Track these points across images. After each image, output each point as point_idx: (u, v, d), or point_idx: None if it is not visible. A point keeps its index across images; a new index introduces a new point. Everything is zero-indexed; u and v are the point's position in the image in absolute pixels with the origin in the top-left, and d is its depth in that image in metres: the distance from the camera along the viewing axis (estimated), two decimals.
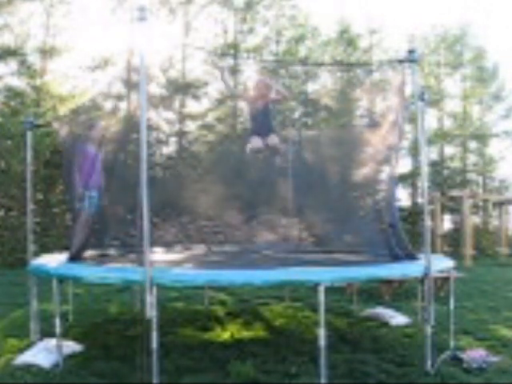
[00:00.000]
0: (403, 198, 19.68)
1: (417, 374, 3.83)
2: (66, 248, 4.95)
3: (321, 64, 19.29)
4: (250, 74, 17.03)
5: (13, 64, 14.36)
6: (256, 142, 5.40)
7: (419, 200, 19.13)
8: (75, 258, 4.45)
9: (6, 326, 5.56)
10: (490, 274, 11.40)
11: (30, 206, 5.26)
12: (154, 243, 4.58)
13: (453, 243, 17.45)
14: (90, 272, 4.03)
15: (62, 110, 14.45)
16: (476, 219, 20.47)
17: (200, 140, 16.57)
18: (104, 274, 3.96)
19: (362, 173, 5.84)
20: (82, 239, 4.64)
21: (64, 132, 5.63)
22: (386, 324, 5.63)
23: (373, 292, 7.78)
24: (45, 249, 9.47)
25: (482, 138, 20.75)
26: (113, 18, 15.71)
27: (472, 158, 21.56)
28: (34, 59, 14.75)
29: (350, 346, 4.61)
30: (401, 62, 4.18)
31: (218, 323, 5.66)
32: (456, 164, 21.16)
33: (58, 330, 3.98)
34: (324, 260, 5.03)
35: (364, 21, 19.44)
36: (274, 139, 5.46)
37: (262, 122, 5.45)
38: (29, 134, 5.20)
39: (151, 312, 3.33)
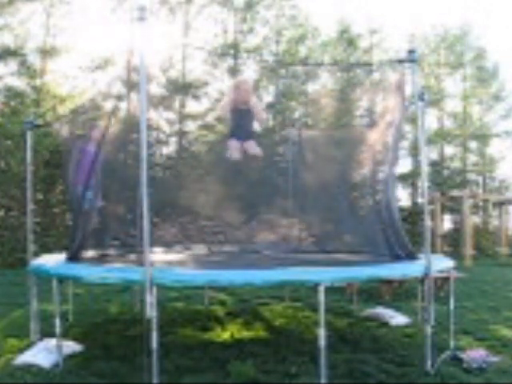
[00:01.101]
0: (403, 198, 19.73)
1: (417, 374, 3.82)
2: (66, 248, 4.94)
3: (321, 64, 19.30)
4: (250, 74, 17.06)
5: (13, 64, 14.36)
6: (234, 151, 5.24)
7: (419, 200, 19.14)
8: (73, 258, 4.45)
9: (5, 326, 5.56)
10: (490, 274, 11.40)
11: (30, 206, 5.26)
12: (153, 243, 4.58)
13: (453, 243, 17.46)
14: (89, 272, 4.02)
15: (62, 110, 14.46)
16: (476, 219, 20.48)
17: (200, 140, 16.57)
18: (104, 274, 3.95)
19: (362, 173, 5.84)
20: (80, 239, 4.63)
21: (64, 132, 5.64)
22: (385, 324, 5.63)
23: (373, 292, 7.78)
24: (45, 249, 9.48)
25: (482, 137, 20.76)
26: (113, 18, 15.75)
27: (472, 158, 21.57)
28: (33, 59, 14.75)
29: (350, 346, 4.61)
30: (401, 61, 4.18)
31: (217, 323, 5.66)
32: (456, 164, 21.16)
33: (58, 329, 3.98)
34: (324, 260, 5.03)
35: (364, 21, 19.49)
36: (251, 145, 5.31)
37: (242, 125, 5.29)
38: (29, 134, 5.20)
39: (151, 312, 3.33)
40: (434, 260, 4.25)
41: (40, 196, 13.61)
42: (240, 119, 5.31)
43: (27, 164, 5.25)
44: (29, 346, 4.49)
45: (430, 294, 3.98)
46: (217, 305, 6.92)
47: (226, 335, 5.17)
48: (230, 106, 5.31)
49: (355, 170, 6.06)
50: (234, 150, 5.28)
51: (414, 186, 19.84)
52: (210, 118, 17.34)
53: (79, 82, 15.75)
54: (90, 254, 4.90)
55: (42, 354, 4.14)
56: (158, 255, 5.64)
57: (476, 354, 4.13)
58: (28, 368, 3.93)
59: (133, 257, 5.01)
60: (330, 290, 4.28)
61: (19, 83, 14.62)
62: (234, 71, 16.49)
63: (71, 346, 4.41)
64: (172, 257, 5.72)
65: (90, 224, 4.87)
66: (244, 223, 7.03)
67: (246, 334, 5.28)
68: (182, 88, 16.20)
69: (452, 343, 4.49)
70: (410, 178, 19.54)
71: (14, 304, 6.64)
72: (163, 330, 3.62)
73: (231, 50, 16.86)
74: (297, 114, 18.41)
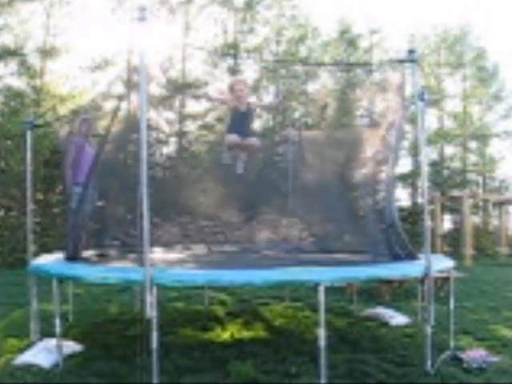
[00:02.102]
0: (403, 198, 19.74)
1: (417, 374, 3.82)
2: (65, 248, 4.94)
3: (321, 64, 19.30)
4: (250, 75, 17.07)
5: (13, 64, 14.36)
6: (233, 137, 5.24)
7: (419, 200, 19.13)
8: (71, 258, 4.45)
9: (5, 326, 5.56)
10: (490, 274, 11.40)
11: (30, 206, 5.26)
12: (153, 243, 4.58)
13: (453, 243, 17.45)
14: (89, 272, 4.03)
15: (62, 110, 14.46)
16: (476, 219, 20.47)
17: (200, 140, 16.56)
18: (104, 274, 3.95)
19: (362, 172, 5.84)
20: (73, 238, 4.64)
21: (64, 133, 5.65)
22: (385, 324, 5.63)
23: (373, 292, 7.78)
24: (45, 249, 9.46)
25: (482, 137, 20.76)
26: (113, 18, 15.74)
27: (472, 158, 21.57)
28: (33, 59, 14.75)
29: (350, 346, 4.60)
30: (401, 61, 4.18)
31: (218, 323, 5.65)
32: (456, 164, 21.16)
33: (58, 329, 3.97)
34: (324, 260, 5.03)
35: (364, 21, 19.50)
36: (252, 140, 5.35)
37: (242, 125, 5.29)
38: (29, 134, 5.20)
39: (151, 312, 3.33)
40: (434, 260, 4.25)
41: (40, 196, 13.60)
42: (238, 121, 5.31)
43: (27, 164, 5.25)
44: (29, 345, 4.48)
45: (430, 294, 3.98)
46: (217, 305, 6.91)
47: (226, 335, 5.17)
48: (228, 101, 5.37)
49: (355, 170, 6.06)
50: (232, 142, 5.28)
51: (413, 186, 19.84)
52: (209, 118, 17.34)
53: (79, 82, 15.78)
54: (89, 253, 4.90)
55: (42, 354, 4.14)
56: (158, 255, 5.63)
57: (476, 354, 4.12)
58: (28, 368, 3.93)
59: (133, 257, 5.01)
60: (329, 290, 4.28)
61: (19, 83, 14.64)
62: (233, 71, 16.49)
63: (71, 346, 4.40)
64: (172, 257, 5.72)
65: (86, 223, 4.86)
66: (244, 223, 7.03)
67: (246, 333, 5.28)
68: (182, 88, 16.20)
69: (452, 343, 4.49)
70: (409, 178, 19.54)
71: (14, 304, 6.64)
72: (163, 330, 3.62)
73: (231, 50, 16.86)
74: (297, 114, 18.40)
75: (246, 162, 5.59)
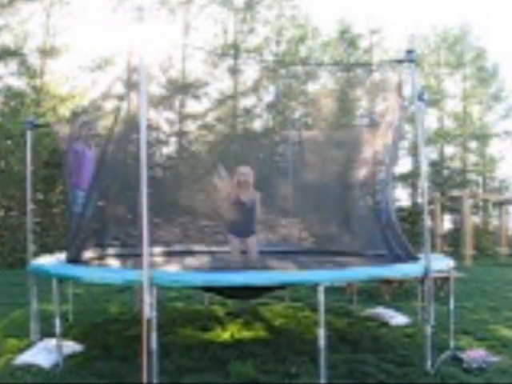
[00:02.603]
0: (403, 198, 19.73)
1: (417, 374, 3.82)
2: (65, 248, 4.94)
3: (321, 64, 19.30)
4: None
5: (13, 64, 14.36)
6: (235, 251, 5.17)
7: (419, 200, 19.12)
8: (73, 260, 4.44)
9: (6, 325, 5.56)
10: (490, 274, 11.40)
11: (30, 206, 5.27)
12: (153, 243, 4.58)
13: (453, 243, 17.44)
14: (89, 272, 4.03)
15: (62, 110, 14.46)
16: (476, 219, 20.47)
17: (200, 140, 16.56)
18: (104, 273, 3.96)
19: (362, 173, 5.85)
20: (76, 242, 4.63)
21: (64, 133, 5.65)
22: (386, 324, 5.63)
23: (373, 292, 7.78)
24: (45, 249, 9.47)
25: (482, 138, 20.75)
26: (113, 18, 15.72)
27: (472, 158, 21.56)
28: (33, 59, 14.75)
29: (350, 346, 4.61)
30: (400, 61, 4.18)
31: (218, 323, 5.65)
32: (456, 164, 21.15)
33: (58, 329, 3.98)
34: (324, 260, 5.03)
35: (364, 21, 19.48)
36: (253, 244, 5.24)
37: (243, 222, 5.19)
38: (29, 134, 5.20)
39: (151, 312, 3.33)
40: (434, 260, 4.25)
41: (40, 196, 13.60)
42: (240, 213, 5.23)
43: (27, 164, 5.25)
44: (29, 345, 4.49)
45: (430, 294, 3.99)
46: (217, 305, 6.91)
47: (226, 335, 5.17)
48: (231, 196, 5.23)
49: (355, 170, 6.06)
50: (234, 249, 5.24)
51: (414, 186, 19.83)
52: (209, 118, 17.34)
53: (79, 82, 15.76)
54: (89, 254, 4.90)
55: (42, 354, 4.14)
56: (158, 255, 5.63)
57: (476, 354, 4.13)
58: (28, 368, 3.93)
59: (133, 257, 5.01)
60: (329, 290, 4.28)
61: (19, 83, 14.64)
62: (234, 71, 16.49)
63: (71, 346, 4.41)
64: (172, 257, 5.72)
65: (87, 225, 4.86)
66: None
67: (246, 333, 5.28)
68: (182, 88, 16.19)
69: (452, 343, 4.49)
70: (409, 178, 19.53)
71: (14, 304, 6.64)
72: (163, 330, 3.62)
73: (231, 50, 16.85)
74: (297, 114, 18.40)
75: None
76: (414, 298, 6.51)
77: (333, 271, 3.95)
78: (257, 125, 18.15)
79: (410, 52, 4.01)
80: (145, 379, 3.30)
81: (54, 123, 7.31)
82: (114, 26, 15.86)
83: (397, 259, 4.54)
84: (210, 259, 5.90)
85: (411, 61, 4.03)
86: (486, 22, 39.48)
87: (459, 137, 20.61)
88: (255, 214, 5.31)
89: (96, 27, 15.87)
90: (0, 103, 14.02)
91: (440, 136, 20.19)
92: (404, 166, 19.19)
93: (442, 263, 4.68)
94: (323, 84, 19.06)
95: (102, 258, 5.13)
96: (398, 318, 5.75)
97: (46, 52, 14.79)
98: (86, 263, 4.52)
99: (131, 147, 5.52)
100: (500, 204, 17.78)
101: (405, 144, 18.37)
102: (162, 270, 3.83)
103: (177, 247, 6.61)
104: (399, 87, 4.51)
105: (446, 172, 20.79)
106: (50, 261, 4.67)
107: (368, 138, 5.67)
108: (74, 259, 4.45)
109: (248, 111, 17.55)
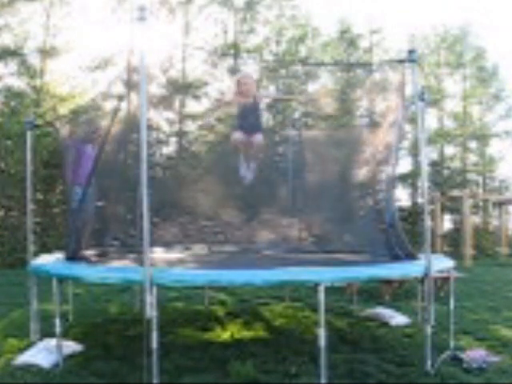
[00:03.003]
0: (403, 198, 19.72)
1: (417, 374, 3.82)
2: (65, 247, 4.94)
3: (321, 64, 19.30)
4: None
5: (13, 64, 14.36)
6: (238, 135, 5.27)
7: (419, 200, 19.13)
8: (72, 257, 4.45)
9: (6, 326, 5.55)
10: (489, 274, 11.40)
11: (30, 206, 5.26)
12: (153, 243, 4.57)
13: (453, 243, 17.45)
14: (90, 272, 4.02)
15: (62, 110, 14.45)
16: (476, 219, 20.46)
17: (200, 140, 16.56)
18: (104, 274, 3.95)
19: (362, 173, 5.84)
20: (74, 238, 4.64)
21: (64, 132, 5.65)
22: (385, 324, 5.63)
23: (373, 292, 7.78)
24: (45, 249, 9.48)
25: (482, 138, 20.76)
26: (113, 18, 15.72)
27: (472, 158, 21.56)
28: (33, 59, 14.76)
29: (350, 346, 4.61)
30: (401, 61, 4.18)
31: (218, 323, 5.65)
32: (456, 164, 21.15)
33: (57, 329, 3.97)
34: (324, 260, 5.03)
35: (364, 21, 19.49)
36: (259, 138, 5.34)
37: (250, 119, 5.30)
38: (29, 134, 5.20)
39: (151, 312, 3.33)
40: (434, 260, 4.25)
41: (40, 196, 13.61)
42: (245, 113, 5.32)
43: (27, 164, 5.25)
44: (29, 345, 4.49)
45: (429, 294, 3.98)
46: (217, 305, 6.91)
47: (226, 335, 5.17)
48: (234, 99, 5.36)
49: (355, 170, 6.06)
50: (237, 141, 5.29)
51: (413, 186, 19.83)
52: (209, 118, 17.32)
53: (79, 82, 15.76)
54: (89, 253, 4.90)
55: (42, 354, 4.14)
56: (158, 255, 5.63)
57: (476, 354, 4.12)
58: (28, 368, 3.93)
59: (133, 257, 5.01)
60: (329, 290, 4.28)
61: (19, 83, 14.63)
62: (234, 71, 16.46)
63: (71, 346, 4.41)
64: (172, 257, 5.72)
65: (86, 223, 4.87)
66: (244, 223, 7.03)
67: (246, 333, 5.27)
68: (182, 88, 16.19)
69: (452, 343, 4.49)
70: (409, 178, 19.53)
71: (14, 304, 6.64)
72: (163, 330, 3.62)
73: (231, 50, 16.85)
74: (297, 114, 18.40)
75: (255, 170, 5.57)
76: (414, 298, 6.51)
77: (333, 271, 3.94)
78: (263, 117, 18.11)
79: (411, 52, 4.01)
80: (145, 379, 3.31)
81: (55, 119, 7.31)
82: (114, 26, 15.87)
83: (397, 259, 4.54)
84: (211, 259, 5.90)
85: (412, 61, 4.03)
86: (485, 22, 39.53)
87: (459, 137, 20.61)
88: (261, 115, 5.51)
89: (96, 27, 15.91)
90: (0, 103, 14.02)
91: (440, 136, 20.19)
92: (404, 166, 19.23)
93: (442, 263, 4.68)
94: (323, 84, 19.05)
95: (102, 257, 5.13)
96: (397, 318, 5.75)
97: (46, 52, 14.79)
98: (85, 261, 4.51)
99: (131, 147, 5.53)
100: (500, 204, 17.78)
101: (405, 144, 18.37)
102: (162, 269, 3.82)
103: (177, 247, 6.61)
104: (402, 87, 4.51)
105: (446, 172, 20.78)
106: (49, 261, 4.67)
107: (368, 138, 5.67)
108: (72, 256, 4.45)
109: None
